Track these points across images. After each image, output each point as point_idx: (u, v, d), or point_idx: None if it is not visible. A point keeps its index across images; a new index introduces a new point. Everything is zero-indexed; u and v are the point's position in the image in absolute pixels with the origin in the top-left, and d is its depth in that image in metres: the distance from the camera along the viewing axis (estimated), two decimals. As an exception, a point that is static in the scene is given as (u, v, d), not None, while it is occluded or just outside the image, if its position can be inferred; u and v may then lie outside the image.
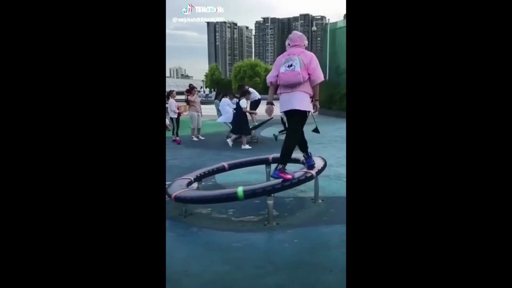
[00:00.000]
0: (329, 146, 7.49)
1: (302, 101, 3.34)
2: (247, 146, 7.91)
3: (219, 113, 9.72)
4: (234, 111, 8.52)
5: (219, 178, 5.05)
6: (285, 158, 3.46)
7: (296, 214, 3.71)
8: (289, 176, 3.39)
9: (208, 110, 12.89)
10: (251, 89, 9.45)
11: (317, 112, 3.58)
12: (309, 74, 3.31)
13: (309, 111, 3.40)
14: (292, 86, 3.34)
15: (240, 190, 3.28)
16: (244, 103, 8.31)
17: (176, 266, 2.57)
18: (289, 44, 3.53)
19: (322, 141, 8.57)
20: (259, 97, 9.43)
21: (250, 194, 3.30)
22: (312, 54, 3.41)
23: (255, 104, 9.32)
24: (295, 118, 3.41)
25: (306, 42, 3.49)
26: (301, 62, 3.28)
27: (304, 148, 3.79)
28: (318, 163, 3.90)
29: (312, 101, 3.44)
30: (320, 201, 4.01)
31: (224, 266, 2.57)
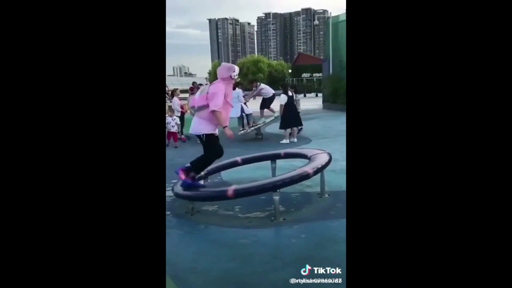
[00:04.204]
0: (334, 141, 7.47)
1: (195, 125, 3.75)
2: (286, 141, 7.71)
3: None
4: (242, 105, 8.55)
5: (225, 175, 5.06)
6: (194, 167, 3.80)
7: (302, 209, 3.71)
8: (183, 177, 3.70)
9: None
10: (263, 85, 9.47)
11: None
12: (208, 102, 3.57)
13: (203, 135, 3.69)
14: (197, 110, 3.71)
15: None
16: (284, 99, 8.01)
17: (184, 263, 2.59)
18: None
19: (327, 136, 8.56)
20: (273, 93, 9.21)
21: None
22: (220, 85, 3.60)
23: (269, 101, 9.19)
24: (201, 142, 3.83)
25: (233, 73, 3.65)
26: (203, 90, 3.69)
27: (195, 166, 3.85)
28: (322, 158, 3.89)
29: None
30: (326, 195, 4.01)
31: (231, 262, 2.58)
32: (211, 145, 3.75)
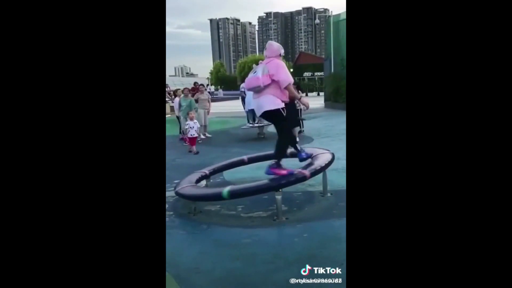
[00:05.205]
0: (337, 139, 7.46)
1: (268, 102, 3.59)
2: None
3: (243, 102, 9.72)
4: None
5: (227, 175, 5.06)
6: (279, 155, 3.66)
7: (305, 208, 3.71)
8: (284, 172, 3.55)
9: (214, 108, 12.93)
10: None
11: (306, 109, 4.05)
12: (274, 79, 3.54)
13: (282, 108, 3.59)
14: (258, 90, 3.63)
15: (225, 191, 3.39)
16: None
17: (187, 263, 2.59)
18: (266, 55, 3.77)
19: (330, 135, 8.55)
20: None
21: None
22: (279, 61, 3.64)
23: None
24: (273, 119, 3.72)
25: (281, 51, 3.73)
26: (264, 69, 3.58)
27: (292, 144, 3.93)
28: (323, 158, 3.89)
29: (295, 101, 3.87)
30: (329, 194, 4.00)
31: (234, 262, 2.58)
32: (288, 117, 3.70)
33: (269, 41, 3.94)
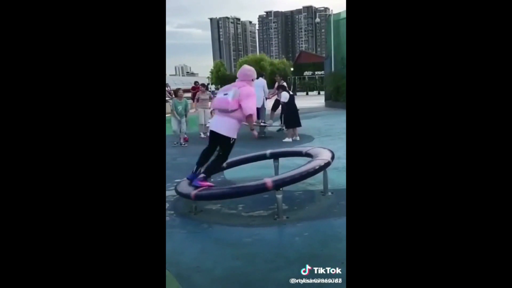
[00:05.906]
0: (337, 138, 7.46)
1: (228, 127, 3.74)
2: (289, 139, 7.71)
3: None
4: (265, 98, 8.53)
5: (228, 174, 5.06)
6: (208, 172, 3.85)
7: (306, 207, 3.71)
8: (209, 184, 3.74)
9: (215, 107, 12.91)
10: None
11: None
12: (241, 106, 3.67)
13: (233, 139, 3.77)
14: (223, 111, 3.73)
15: None
16: (286, 97, 8.09)
17: (188, 262, 2.59)
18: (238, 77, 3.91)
19: (330, 133, 8.55)
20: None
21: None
22: (251, 90, 3.77)
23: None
24: (220, 141, 3.81)
25: (254, 76, 3.90)
26: (235, 93, 3.69)
27: (209, 168, 3.89)
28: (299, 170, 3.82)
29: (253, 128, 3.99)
30: (329, 193, 4.00)
31: (235, 261, 2.59)
32: (229, 149, 3.87)
33: (244, 66, 4.08)
